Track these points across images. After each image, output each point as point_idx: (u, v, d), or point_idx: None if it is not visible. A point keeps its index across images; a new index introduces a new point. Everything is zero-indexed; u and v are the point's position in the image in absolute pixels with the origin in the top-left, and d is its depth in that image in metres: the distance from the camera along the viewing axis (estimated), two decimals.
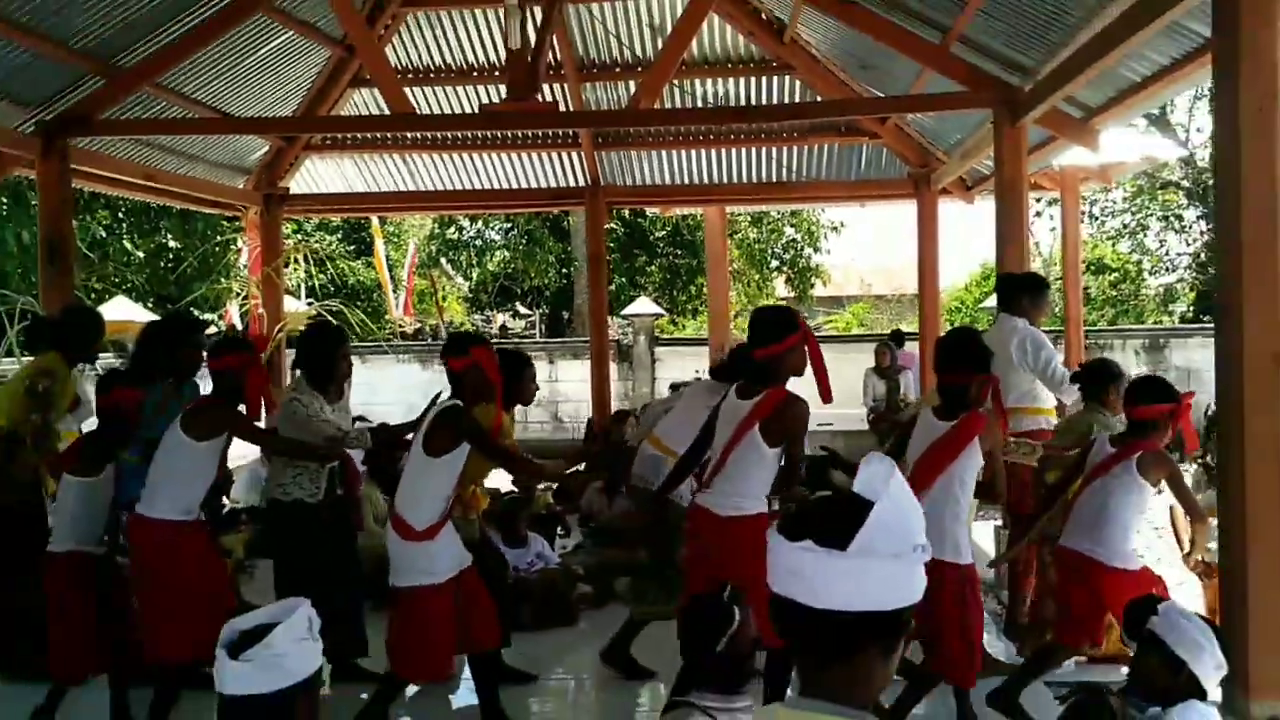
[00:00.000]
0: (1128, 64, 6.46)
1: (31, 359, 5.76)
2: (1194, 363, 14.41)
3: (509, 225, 23.86)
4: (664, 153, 11.39)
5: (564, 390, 15.74)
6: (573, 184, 11.73)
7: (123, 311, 11.19)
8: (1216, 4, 4.25)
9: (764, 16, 9.56)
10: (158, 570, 4.53)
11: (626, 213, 21.74)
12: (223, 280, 15.20)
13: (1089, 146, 7.71)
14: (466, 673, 5.86)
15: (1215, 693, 3.45)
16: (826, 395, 4.46)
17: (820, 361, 4.43)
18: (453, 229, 24.35)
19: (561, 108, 10.42)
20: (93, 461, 4.68)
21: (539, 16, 8.14)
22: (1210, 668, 3.35)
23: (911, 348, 12.47)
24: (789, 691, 1.47)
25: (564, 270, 23.77)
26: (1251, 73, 4.09)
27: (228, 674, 2.37)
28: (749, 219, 23.07)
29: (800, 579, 1.51)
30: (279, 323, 10.89)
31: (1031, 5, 6.49)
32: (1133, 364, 15.16)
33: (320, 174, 11.79)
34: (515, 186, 11.91)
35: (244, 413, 4.70)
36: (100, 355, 5.72)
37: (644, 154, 11.43)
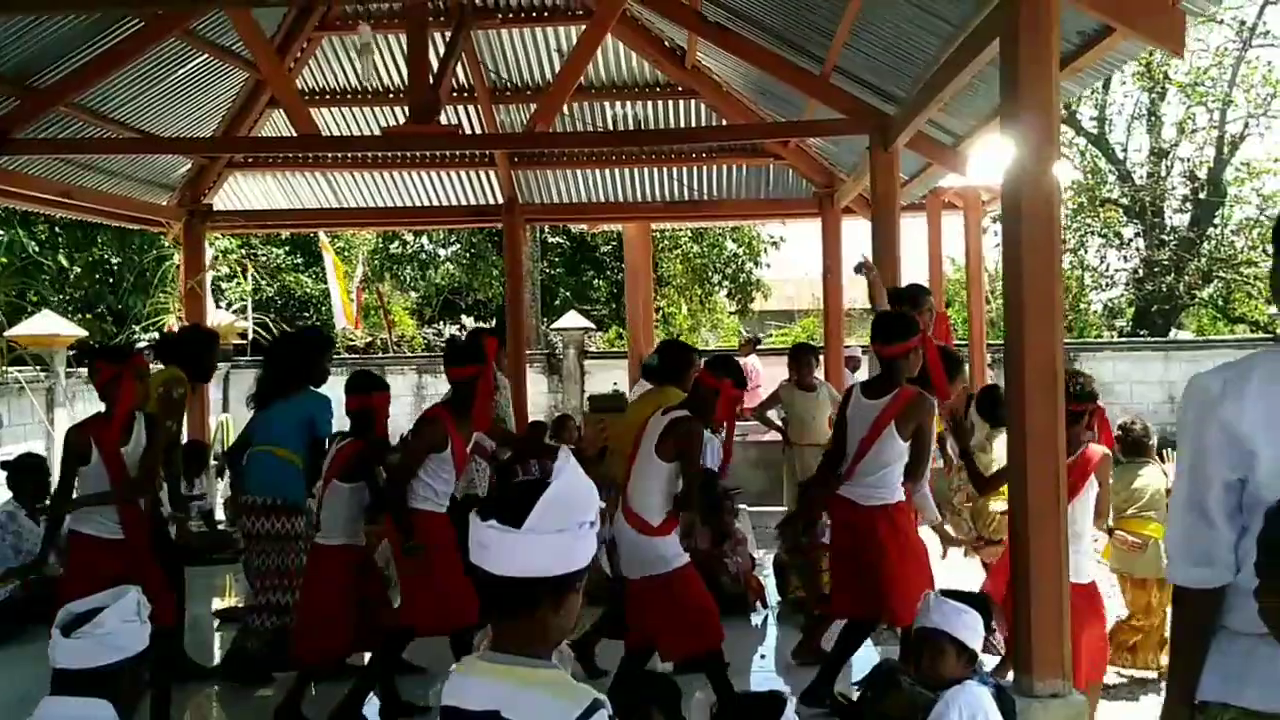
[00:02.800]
0: (986, 95, 6.91)
1: (159, 370, 5.92)
2: (1102, 376, 14.93)
3: (453, 239, 23.98)
4: (579, 171, 11.71)
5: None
6: (491, 202, 12.04)
7: (49, 325, 11.33)
8: (1003, 58, 4.72)
9: (666, 44, 9.95)
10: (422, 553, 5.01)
11: (571, 228, 21.97)
12: (161, 294, 15.33)
13: (958, 171, 8.18)
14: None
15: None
16: (943, 393, 5.02)
17: (936, 363, 4.97)
18: (396, 243, 24.45)
19: (478, 129, 10.79)
20: (357, 469, 5.12)
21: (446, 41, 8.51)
22: (980, 648, 3.72)
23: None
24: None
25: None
26: (1031, 116, 4.55)
27: (60, 649, 2.69)
28: (690, 234, 23.32)
29: (487, 551, 1.86)
30: None
31: (889, 42, 6.94)
32: None
33: (244, 190, 11.99)
34: (435, 204, 12.19)
35: (435, 433, 5.07)
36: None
37: (559, 173, 11.74)
